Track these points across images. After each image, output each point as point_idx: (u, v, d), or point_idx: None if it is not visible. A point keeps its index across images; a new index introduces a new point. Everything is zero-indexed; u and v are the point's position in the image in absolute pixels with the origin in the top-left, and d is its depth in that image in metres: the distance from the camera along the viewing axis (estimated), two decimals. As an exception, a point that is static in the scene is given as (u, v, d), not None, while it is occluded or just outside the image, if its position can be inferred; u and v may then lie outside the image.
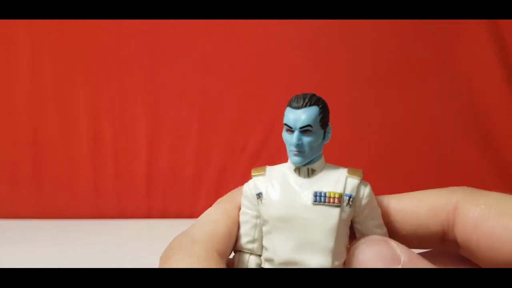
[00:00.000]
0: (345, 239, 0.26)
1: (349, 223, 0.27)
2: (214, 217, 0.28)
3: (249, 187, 0.28)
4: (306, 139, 0.26)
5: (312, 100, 0.26)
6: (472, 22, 0.79)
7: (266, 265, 0.27)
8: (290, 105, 0.27)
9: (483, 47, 0.81)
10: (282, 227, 0.26)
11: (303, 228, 0.26)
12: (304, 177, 0.27)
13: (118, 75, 0.81)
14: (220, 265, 0.25)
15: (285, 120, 0.27)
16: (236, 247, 0.28)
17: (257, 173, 0.28)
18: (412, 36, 0.81)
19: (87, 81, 0.80)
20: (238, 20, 0.74)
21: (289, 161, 0.28)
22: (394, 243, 0.25)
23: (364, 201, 0.27)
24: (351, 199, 0.26)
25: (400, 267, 0.23)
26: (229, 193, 0.30)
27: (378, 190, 0.28)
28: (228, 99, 0.82)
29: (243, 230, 0.28)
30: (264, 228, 0.27)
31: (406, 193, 0.29)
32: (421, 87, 0.82)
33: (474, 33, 0.81)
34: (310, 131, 0.26)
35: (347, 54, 0.82)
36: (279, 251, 0.26)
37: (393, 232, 0.28)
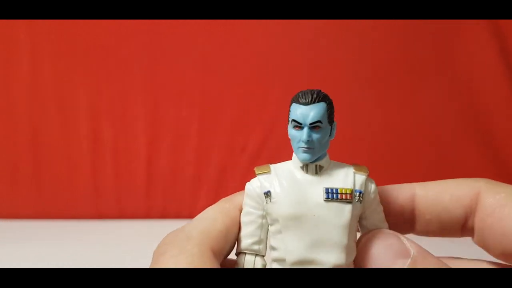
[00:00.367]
0: (355, 234, 0.26)
1: (358, 218, 0.27)
2: (212, 215, 0.27)
3: (254, 186, 0.27)
4: (315, 136, 0.26)
5: (320, 96, 0.26)
6: (472, 22, 0.79)
7: (275, 266, 0.26)
8: (297, 101, 0.26)
9: (483, 47, 0.81)
10: (294, 225, 0.25)
11: (316, 226, 0.25)
12: (312, 174, 0.27)
13: (118, 75, 0.81)
14: (214, 264, 0.25)
15: (293, 116, 0.26)
16: (239, 249, 0.27)
17: (261, 171, 0.27)
18: (412, 36, 0.81)
19: (87, 81, 0.80)
20: (238, 20, 0.74)
21: (293, 158, 0.27)
22: (404, 238, 0.25)
23: (371, 196, 0.27)
24: (361, 194, 0.26)
25: (409, 260, 0.24)
26: (231, 195, 0.29)
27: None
28: (228, 99, 0.82)
29: (247, 231, 0.27)
30: (272, 228, 0.27)
31: (430, 181, 0.30)
32: (421, 87, 0.82)
33: (474, 33, 0.81)
34: (319, 127, 0.26)
35: (347, 54, 0.82)
36: (291, 251, 0.25)
37: (417, 217, 0.29)
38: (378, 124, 0.83)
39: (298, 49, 0.82)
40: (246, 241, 0.27)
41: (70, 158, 0.82)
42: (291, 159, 0.28)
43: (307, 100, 0.26)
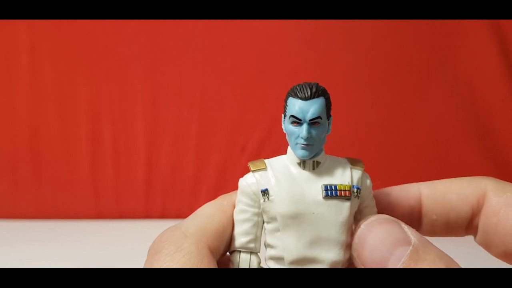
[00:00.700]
0: (352, 230, 0.26)
1: (354, 214, 0.26)
2: (209, 212, 0.27)
3: (249, 183, 0.26)
4: (314, 132, 0.25)
5: (319, 90, 0.25)
6: (472, 22, 0.79)
7: (272, 264, 0.26)
8: (295, 95, 0.25)
9: (483, 47, 0.81)
10: (292, 223, 0.25)
11: (315, 224, 0.25)
12: (309, 170, 0.26)
13: (118, 75, 0.81)
14: (211, 262, 0.24)
15: (291, 112, 0.25)
16: (233, 247, 0.27)
17: (256, 168, 0.27)
18: (413, 36, 0.81)
19: (87, 81, 0.80)
20: (238, 20, 0.74)
21: (289, 153, 0.26)
22: (405, 226, 0.24)
23: (367, 191, 0.26)
24: (359, 190, 0.26)
25: (410, 248, 0.23)
26: (229, 192, 0.29)
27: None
28: (228, 99, 0.82)
29: (242, 228, 0.26)
30: (269, 226, 0.26)
31: (435, 180, 0.29)
32: (422, 87, 0.82)
33: (474, 33, 0.81)
34: (319, 123, 0.25)
35: (347, 54, 0.82)
36: (290, 249, 0.25)
37: (423, 217, 0.28)
38: (378, 124, 0.83)
39: (298, 49, 0.82)
40: (241, 239, 0.26)
41: (70, 158, 0.82)
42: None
43: (306, 95, 0.25)
